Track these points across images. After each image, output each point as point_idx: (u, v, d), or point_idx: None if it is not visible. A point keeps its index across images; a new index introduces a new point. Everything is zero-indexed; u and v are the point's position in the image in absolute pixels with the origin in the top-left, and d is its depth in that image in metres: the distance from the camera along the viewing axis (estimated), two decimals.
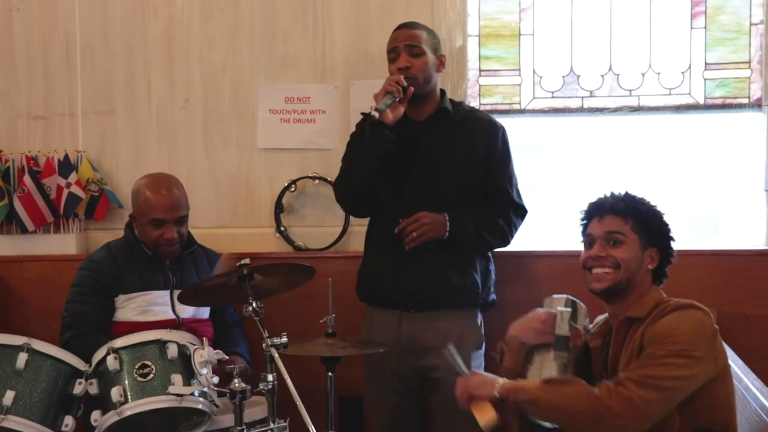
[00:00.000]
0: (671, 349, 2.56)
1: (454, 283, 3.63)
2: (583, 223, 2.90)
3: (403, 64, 3.60)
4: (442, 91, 3.76)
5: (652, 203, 2.86)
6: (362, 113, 3.73)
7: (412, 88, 3.54)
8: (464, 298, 3.65)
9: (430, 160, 3.64)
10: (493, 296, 3.78)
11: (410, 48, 3.61)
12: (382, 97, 3.51)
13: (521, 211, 3.73)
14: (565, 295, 2.97)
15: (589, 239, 2.86)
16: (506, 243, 3.73)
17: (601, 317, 2.97)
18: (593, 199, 2.90)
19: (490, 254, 3.79)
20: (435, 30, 4.13)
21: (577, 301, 2.95)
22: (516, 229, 3.74)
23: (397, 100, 3.51)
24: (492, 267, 3.79)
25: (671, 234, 2.84)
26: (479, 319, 3.74)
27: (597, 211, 2.85)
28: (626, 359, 2.70)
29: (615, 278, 2.77)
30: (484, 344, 3.73)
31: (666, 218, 2.85)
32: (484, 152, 3.66)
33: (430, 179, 3.63)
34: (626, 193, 2.86)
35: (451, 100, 3.78)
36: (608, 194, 2.88)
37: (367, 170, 3.56)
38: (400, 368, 3.67)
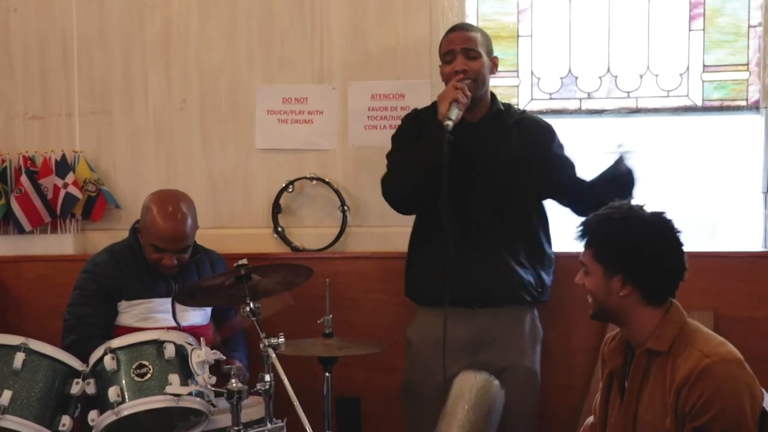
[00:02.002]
0: (723, 426, 2.49)
1: (518, 279, 3.64)
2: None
3: (460, 67, 3.57)
4: (492, 94, 3.77)
5: (635, 217, 2.68)
6: (443, 124, 3.47)
7: (470, 93, 3.54)
8: (526, 294, 3.65)
9: (488, 160, 3.63)
10: (548, 295, 3.77)
11: (467, 51, 3.60)
12: (448, 106, 3.45)
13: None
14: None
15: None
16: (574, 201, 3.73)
17: (617, 331, 2.85)
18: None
19: (551, 254, 3.77)
20: (432, 31, 4.16)
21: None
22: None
23: (462, 106, 3.49)
24: (552, 266, 3.79)
25: (655, 252, 2.64)
26: (537, 315, 3.77)
27: (576, 237, 2.79)
28: (649, 396, 2.64)
29: (593, 307, 2.74)
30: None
31: (646, 236, 2.65)
32: (539, 153, 3.68)
33: (488, 179, 3.62)
34: (599, 216, 2.74)
35: (503, 103, 3.79)
36: (593, 215, 2.76)
37: (423, 173, 3.49)
38: (450, 369, 3.50)
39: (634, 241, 2.66)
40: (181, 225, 3.58)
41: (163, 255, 3.59)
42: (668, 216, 2.71)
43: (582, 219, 2.80)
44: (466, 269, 3.55)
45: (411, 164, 3.55)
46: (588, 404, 4.05)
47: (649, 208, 2.73)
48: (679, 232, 2.69)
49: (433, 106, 3.62)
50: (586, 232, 2.74)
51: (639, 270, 2.65)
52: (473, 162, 3.61)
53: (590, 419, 3.00)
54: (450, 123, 3.40)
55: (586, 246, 2.72)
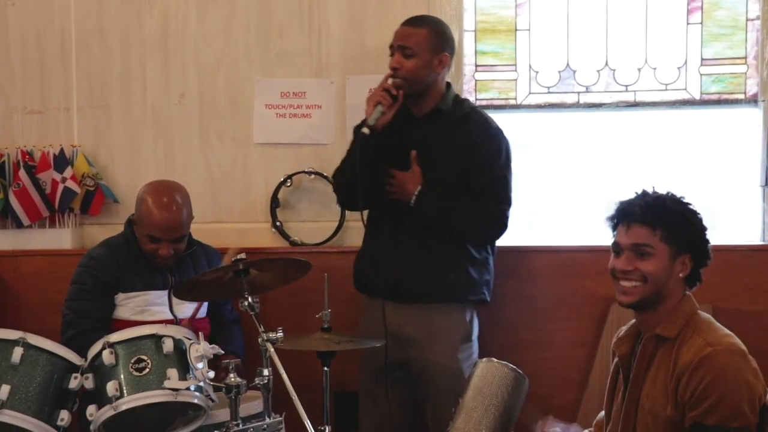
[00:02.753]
0: (717, 416, 2.49)
1: (441, 277, 3.63)
2: (610, 226, 2.77)
3: (392, 65, 3.63)
4: (449, 88, 3.75)
5: (687, 203, 2.73)
6: (355, 127, 3.74)
7: (401, 92, 3.58)
8: (450, 292, 3.65)
9: (424, 155, 3.64)
10: (485, 295, 3.76)
11: (402, 49, 3.62)
12: (373, 107, 3.54)
13: (501, 220, 3.64)
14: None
15: (615, 248, 2.72)
16: (477, 242, 3.69)
17: (631, 322, 2.86)
18: (621, 202, 2.75)
19: (490, 250, 3.77)
20: None
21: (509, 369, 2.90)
22: (489, 236, 3.70)
23: (387, 107, 3.55)
24: (491, 266, 3.78)
25: (707, 237, 2.73)
26: (469, 315, 3.74)
27: (624, 218, 2.70)
28: (651, 382, 2.65)
29: (642, 292, 2.66)
30: (474, 335, 3.75)
31: (701, 219, 2.73)
32: (475, 154, 3.62)
33: (423, 173, 3.63)
34: (656, 197, 2.71)
35: (457, 97, 3.77)
36: (637, 198, 2.72)
37: (353, 173, 3.59)
38: (373, 361, 3.68)
39: (697, 221, 2.72)
40: (176, 214, 3.60)
41: (159, 245, 3.60)
42: None
43: (623, 203, 2.74)
44: (393, 263, 3.59)
45: (342, 165, 3.74)
46: (587, 399, 4.06)
47: None
48: None
49: None
50: (652, 213, 2.67)
51: (702, 250, 2.71)
52: (410, 153, 3.65)
53: (602, 414, 2.99)
54: (367, 131, 3.53)
55: (652, 226, 2.65)
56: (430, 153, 3.64)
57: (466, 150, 3.62)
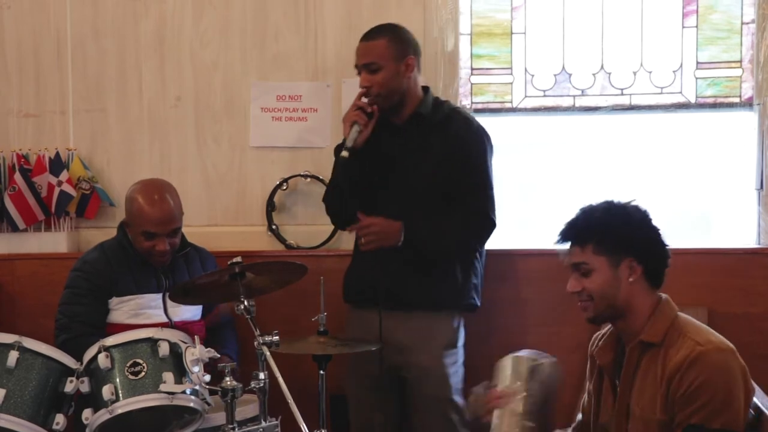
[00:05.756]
0: (712, 415, 2.49)
1: (428, 284, 3.64)
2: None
3: (363, 84, 3.62)
4: (427, 92, 3.74)
5: (620, 205, 2.72)
6: (335, 149, 3.75)
7: (375, 107, 3.58)
8: (438, 299, 3.66)
9: (403, 166, 3.65)
10: (474, 300, 3.76)
11: (367, 66, 3.61)
12: (350, 128, 3.55)
13: (489, 224, 3.66)
14: (527, 355, 2.92)
15: (567, 268, 2.77)
16: (469, 251, 3.71)
17: (604, 330, 2.86)
18: (559, 225, 2.78)
19: (478, 255, 3.77)
20: (426, 28, 4.14)
21: (539, 359, 2.88)
22: (481, 243, 3.73)
23: (363, 126, 3.56)
24: (478, 270, 3.78)
25: (651, 233, 2.70)
26: (456, 322, 3.74)
27: (561, 240, 2.74)
28: (639, 389, 2.65)
29: (595, 308, 2.68)
30: (460, 342, 3.75)
31: (637, 218, 2.70)
32: (459, 156, 3.62)
33: (400, 185, 3.64)
34: (583, 211, 2.74)
35: (436, 99, 3.76)
36: (569, 218, 2.74)
37: (341, 199, 3.65)
38: (380, 366, 3.65)
39: (633, 220, 2.69)
40: (168, 207, 3.63)
41: (155, 241, 3.61)
42: None
43: (566, 222, 2.76)
44: (377, 272, 3.57)
45: (330, 192, 3.81)
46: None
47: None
48: None
49: None
50: (577, 230, 2.71)
51: (644, 248, 2.68)
52: (392, 162, 3.64)
53: (579, 417, 3.00)
54: (347, 153, 3.51)
55: (581, 244, 2.68)
56: (412, 159, 3.64)
57: (450, 152, 3.61)
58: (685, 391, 2.52)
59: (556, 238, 2.77)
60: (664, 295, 2.72)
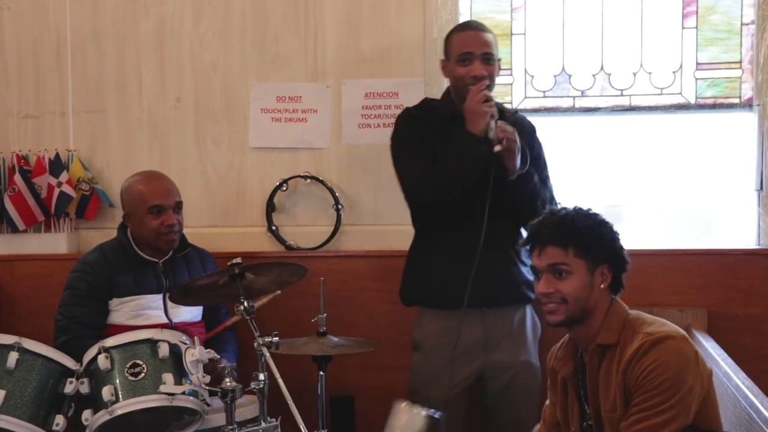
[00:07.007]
0: (663, 396, 2.50)
1: (522, 277, 3.63)
2: (526, 250, 2.78)
3: (479, 73, 3.52)
4: None
5: (595, 214, 2.74)
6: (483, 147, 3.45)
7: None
8: (530, 291, 3.61)
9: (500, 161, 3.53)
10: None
11: (486, 56, 3.55)
12: (486, 124, 3.41)
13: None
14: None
15: (534, 271, 2.75)
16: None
17: (563, 340, 2.87)
18: (530, 225, 2.77)
19: None
20: (426, 29, 4.16)
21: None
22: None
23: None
24: None
25: (620, 243, 2.73)
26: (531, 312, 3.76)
27: (536, 241, 2.72)
28: (604, 391, 2.65)
29: (566, 311, 2.67)
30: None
31: (611, 227, 2.73)
32: (531, 152, 3.62)
33: (501, 180, 3.50)
34: (563, 215, 2.72)
35: (496, 104, 3.70)
36: (545, 218, 2.73)
37: (461, 185, 3.47)
38: (462, 371, 3.58)
39: (605, 229, 2.72)
40: (166, 181, 3.78)
41: (163, 217, 3.65)
42: None
43: (533, 225, 2.76)
44: (477, 270, 3.45)
45: (453, 175, 3.48)
46: None
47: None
48: None
49: (425, 103, 3.73)
50: (559, 232, 2.69)
51: (617, 257, 2.71)
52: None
53: (537, 427, 2.99)
54: (499, 147, 3.37)
55: (563, 246, 2.67)
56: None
57: (527, 146, 3.57)
58: (638, 377, 2.55)
59: (529, 238, 2.76)
60: (613, 296, 2.75)
